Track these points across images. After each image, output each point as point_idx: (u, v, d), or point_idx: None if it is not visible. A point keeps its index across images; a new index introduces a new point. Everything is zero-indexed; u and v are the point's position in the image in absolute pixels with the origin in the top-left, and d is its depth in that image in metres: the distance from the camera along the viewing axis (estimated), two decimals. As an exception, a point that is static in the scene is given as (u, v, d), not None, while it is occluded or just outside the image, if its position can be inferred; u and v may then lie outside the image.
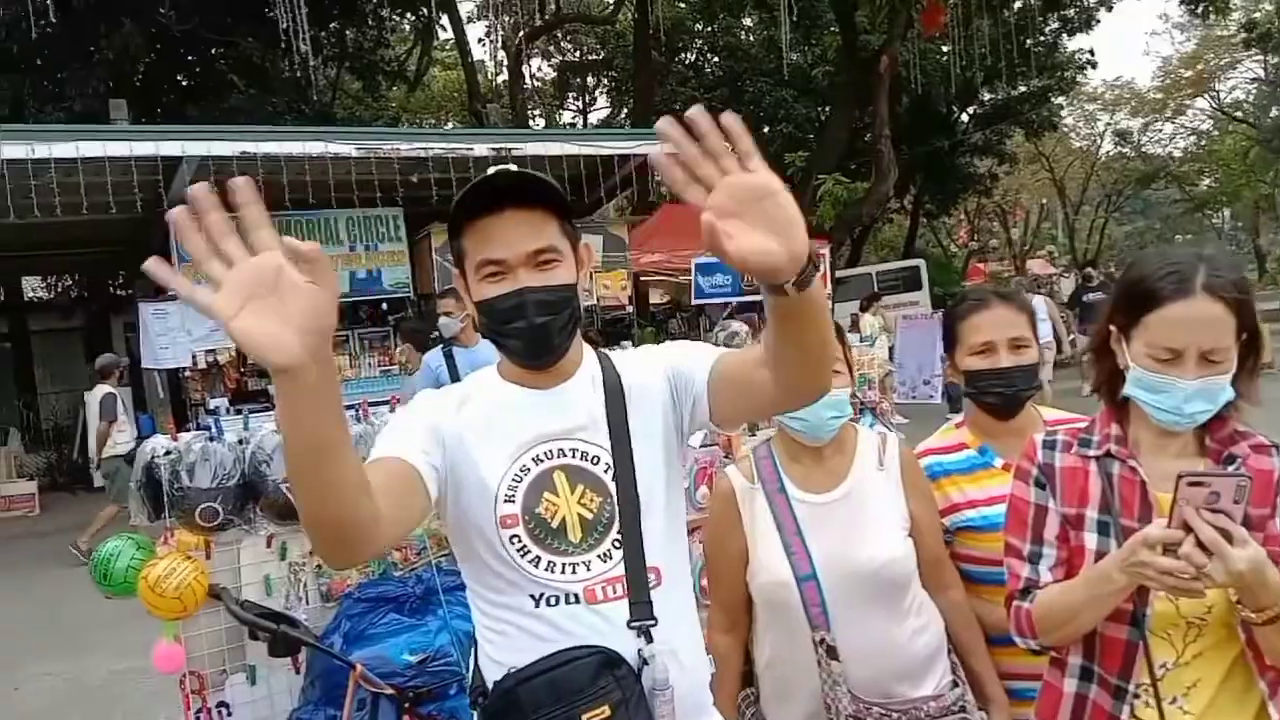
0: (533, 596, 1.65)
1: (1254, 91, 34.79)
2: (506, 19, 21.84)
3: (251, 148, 10.60)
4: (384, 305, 13.27)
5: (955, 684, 2.14)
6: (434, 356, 6.39)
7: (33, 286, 21.82)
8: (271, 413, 2.73)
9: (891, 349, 14.48)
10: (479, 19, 28.64)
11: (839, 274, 16.70)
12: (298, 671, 2.96)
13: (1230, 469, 1.66)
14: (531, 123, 28.24)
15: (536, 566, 1.65)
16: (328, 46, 20.06)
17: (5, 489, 13.32)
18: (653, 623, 1.65)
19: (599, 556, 1.66)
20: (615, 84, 30.39)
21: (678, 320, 15.68)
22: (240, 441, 2.96)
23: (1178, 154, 38.46)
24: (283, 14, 13.96)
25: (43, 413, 16.89)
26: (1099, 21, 22.52)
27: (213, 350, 11.57)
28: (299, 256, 1.11)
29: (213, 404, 10.46)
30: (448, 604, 2.90)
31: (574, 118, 33.52)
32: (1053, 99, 26.59)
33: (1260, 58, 31.80)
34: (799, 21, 19.64)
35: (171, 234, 1.15)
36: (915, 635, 2.12)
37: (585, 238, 1.78)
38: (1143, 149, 37.80)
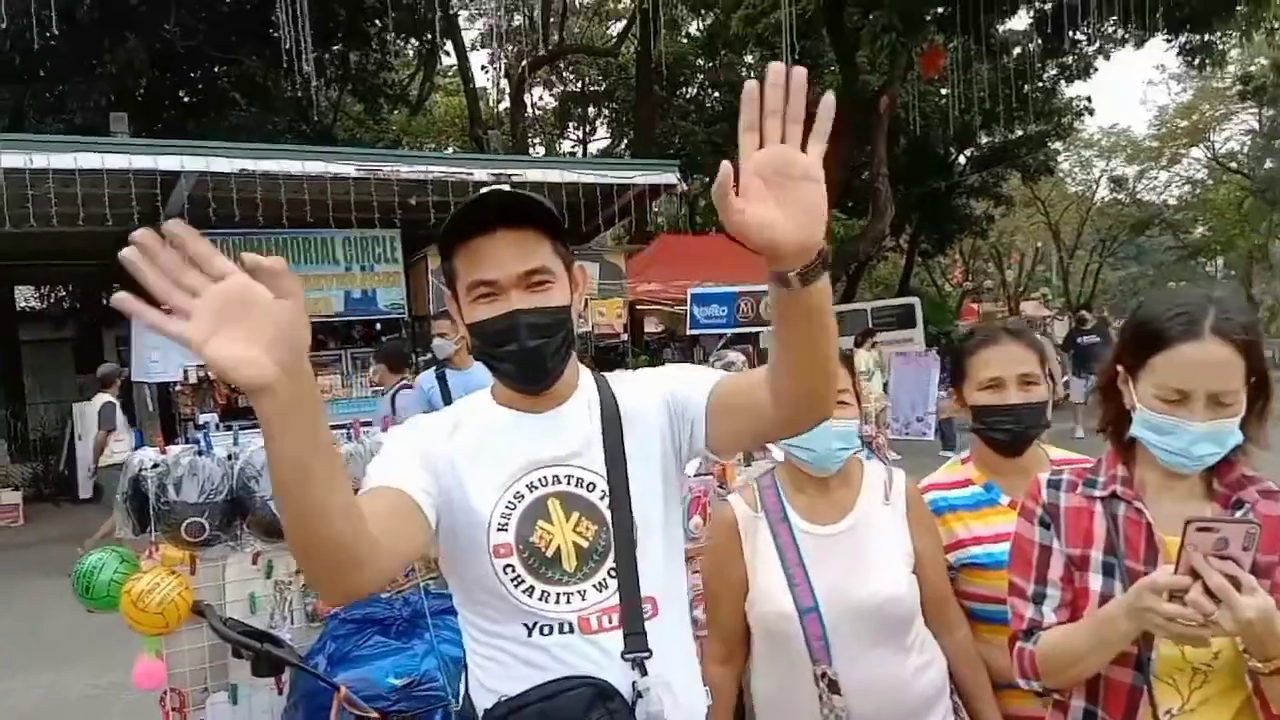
0: (526, 625, 1.61)
1: (1248, 143, 35.11)
2: (510, 47, 22.01)
3: (251, 165, 10.61)
4: (378, 326, 13.26)
5: None
6: (426, 378, 6.36)
7: (25, 296, 21.75)
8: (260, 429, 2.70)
9: (886, 384, 14.48)
10: (482, 47, 28.88)
11: (834, 309, 16.69)
12: (280, 692, 2.91)
13: (1238, 514, 1.64)
14: (532, 150, 28.39)
15: (530, 596, 1.61)
16: (331, 68, 20.15)
17: (-11, 499, 13.21)
18: (647, 655, 1.61)
19: (594, 586, 1.63)
20: (616, 115, 30.58)
21: (672, 350, 15.69)
22: (229, 457, 2.92)
23: (1172, 202, 38.75)
24: (286, 34, 14.03)
25: (30, 423, 16.76)
26: (1097, 70, 22.72)
27: (203, 365, 11.49)
28: (262, 271, 1.09)
29: (202, 419, 10.38)
30: (435, 628, 2.86)
31: (574, 147, 33.71)
32: (1049, 144, 26.83)
33: (1255, 110, 32.14)
34: (800, 60, 19.75)
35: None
36: (918, 673, 2.08)
37: (581, 264, 1.75)
38: (1138, 196, 38.05)
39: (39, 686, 6.21)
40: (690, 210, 28.70)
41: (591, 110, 32.20)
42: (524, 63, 23.34)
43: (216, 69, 18.81)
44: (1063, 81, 23.68)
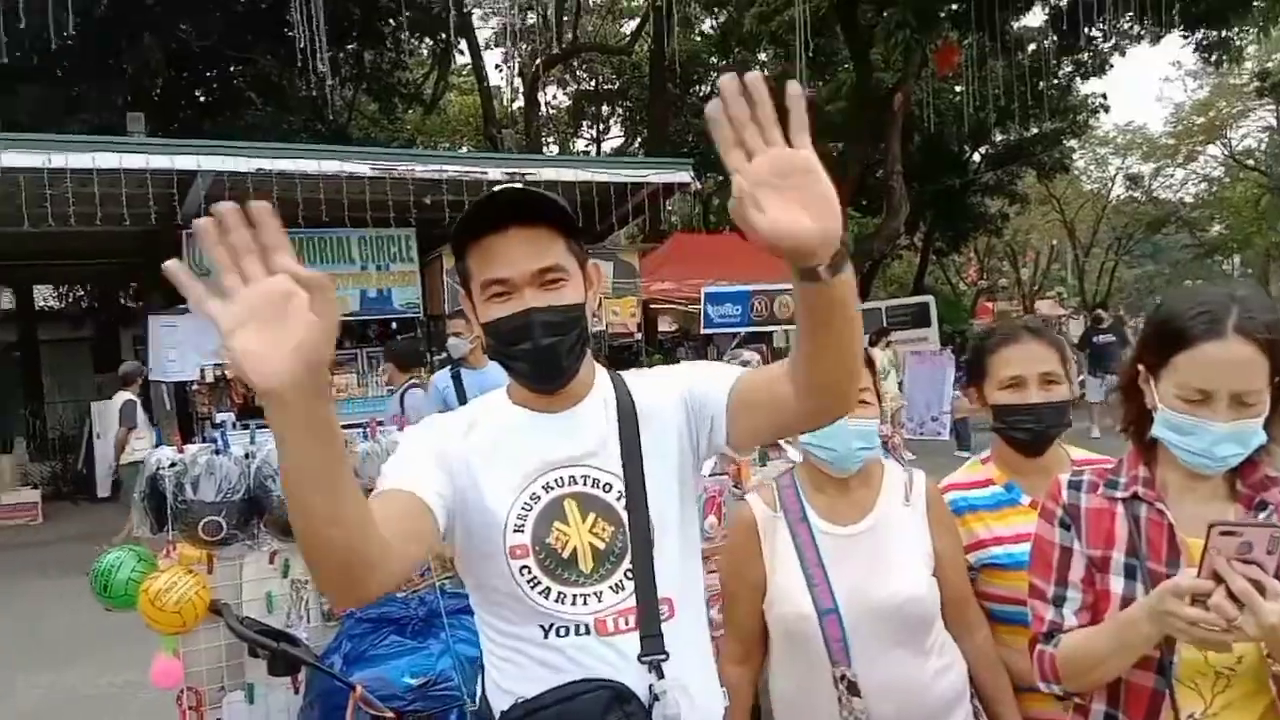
0: (543, 627, 1.60)
1: (1266, 140, 34.87)
2: (524, 46, 22.03)
3: (267, 164, 10.67)
4: (393, 325, 13.30)
5: None
6: (441, 378, 6.37)
7: (44, 296, 21.89)
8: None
9: (901, 384, 14.43)
10: (496, 46, 28.91)
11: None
12: (296, 691, 2.91)
13: (1262, 516, 1.62)
14: (546, 149, 28.44)
15: (546, 598, 1.60)
16: (345, 67, 20.24)
17: (9, 497, 13.29)
18: (664, 657, 1.60)
19: (611, 587, 1.62)
20: (630, 113, 30.61)
21: (685, 349, 15.68)
22: (246, 456, 2.92)
23: (1188, 199, 38.54)
24: (301, 34, 14.09)
25: (49, 422, 16.91)
26: (1112, 67, 22.64)
27: (220, 364, 11.58)
28: (306, 284, 1.10)
29: (219, 418, 10.42)
30: (451, 627, 2.85)
31: (588, 145, 33.74)
32: (1065, 141, 26.73)
33: (1272, 107, 31.89)
34: (814, 57, 19.75)
35: (184, 247, 1.14)
36: (938, 675, 2.07)
37: (595, 262, 1.74)
38: (1153, 193, 37.86)
39: (55, 685, 6.23)
40: (704, 209, 28.67)
41: (605, 109, 32.24)
42: (538, 61, 23.34)
43: (232, 68, 18.91)
44: (1078, 78, 23.57)
